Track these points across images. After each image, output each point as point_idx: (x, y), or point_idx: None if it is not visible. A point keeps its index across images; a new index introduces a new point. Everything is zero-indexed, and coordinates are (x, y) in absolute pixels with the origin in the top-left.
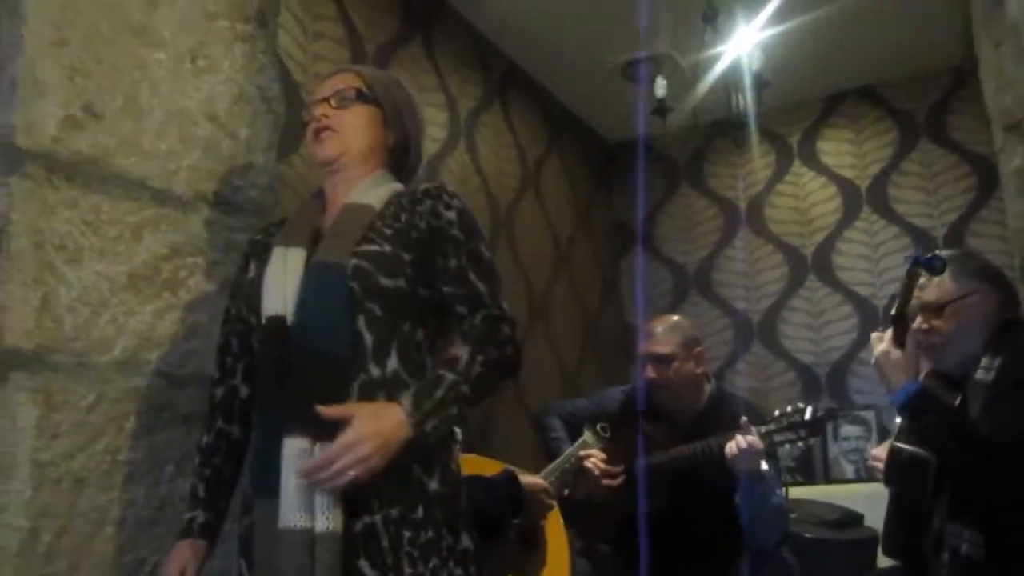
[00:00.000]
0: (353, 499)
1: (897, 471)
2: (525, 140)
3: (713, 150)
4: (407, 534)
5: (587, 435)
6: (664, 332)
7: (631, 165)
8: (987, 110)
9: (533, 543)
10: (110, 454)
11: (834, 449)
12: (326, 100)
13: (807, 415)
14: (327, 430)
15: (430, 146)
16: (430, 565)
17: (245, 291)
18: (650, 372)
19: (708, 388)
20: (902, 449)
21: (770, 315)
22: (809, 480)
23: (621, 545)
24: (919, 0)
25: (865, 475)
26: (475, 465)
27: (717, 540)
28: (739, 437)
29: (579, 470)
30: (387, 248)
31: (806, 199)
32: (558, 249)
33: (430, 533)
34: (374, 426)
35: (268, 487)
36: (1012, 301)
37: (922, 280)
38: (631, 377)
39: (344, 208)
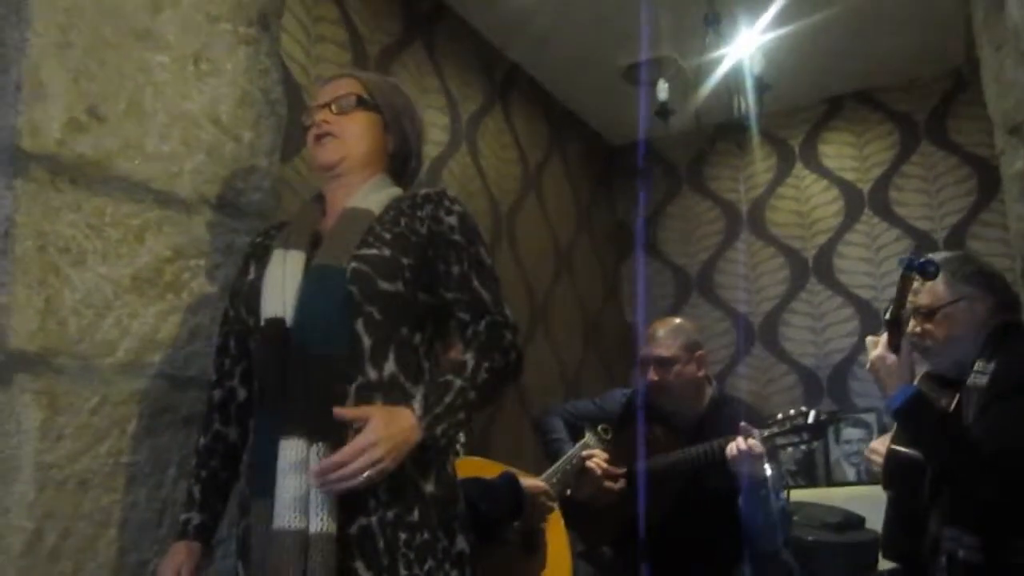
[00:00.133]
0: (349, 501)
1: (894, 474)
2: (527, 142)
3: (715, 153)
4: (403, 536)
5: (588, 436)
6: (666, 335)
7: (633, 168)
8: (988, 113)
9: (534, 545)
10: (113, 456)
11: (836, 452)
12: (326, 106)
13: (809, 418)
14: (323, 432)
15: (432, 148)
16: (426, 567)
17: (244, 293)
18: (652, 375)
19: (709, 391)
20: (899, 452)
21: (771, 317)
22: (811, 483)
23: (623, 548)
24: (920, 3)
25: (866, 477)
26: (476, 467)
27: (719, 543)
28: (739, 439)
29: (581, 470)
30: (386, 252)
31: (807, 202)
32: (559, 251)
33: (426, 535)
34: (389, 429)
35: (264, 488)
36: (1007, 305)
37: (916, 284)
38: (633, 379)
39: (344, 212)
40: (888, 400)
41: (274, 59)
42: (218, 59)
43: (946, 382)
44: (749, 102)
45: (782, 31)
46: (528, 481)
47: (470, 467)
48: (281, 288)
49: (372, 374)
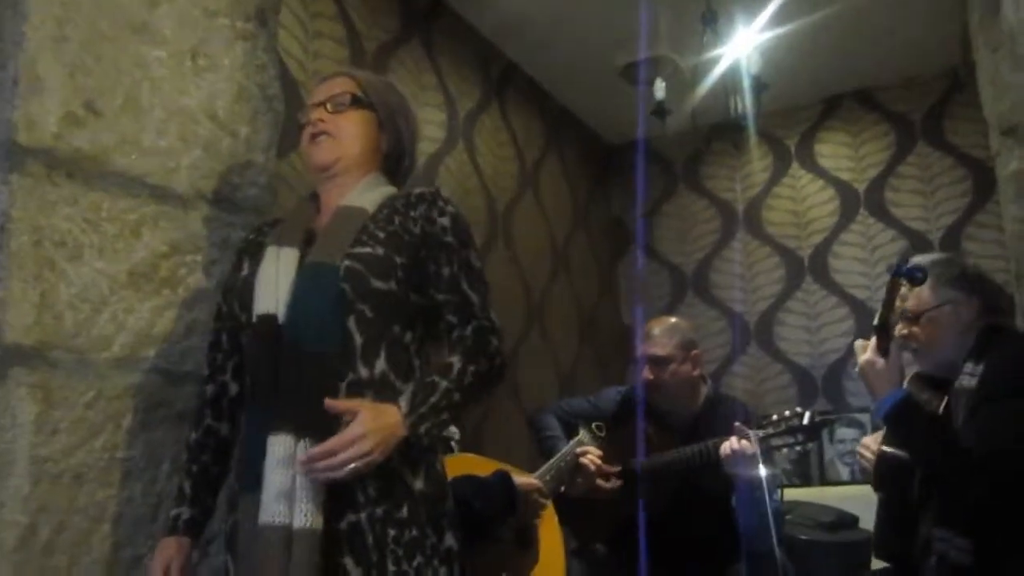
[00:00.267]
0: (338, 497)
1: (885, 475)
2: (524, 140)
3: (711, 152)
4: (391, 532)
5: (583, 434)
6: (662, 334)
7: (630, 166)
8: (984, 114)
9: (527, 542)
10: (108, 451)
11: (830, 451)
12: (321, 104)
13: (804, 419)
14: (312, 428)
15: (429, 145)
16: (414, 563)
17: (238, 289)
18: (647, 373)
19: (704, 390)
20: (889, 453)
21: (767, 317)
22: (805, 482)
23: (616, 546)
24: (916, 4)
25: (860, 476)
26: (470, 464)
27: (713, 542)
28: (732, 440)
29: (575, 467)
30: (379, 251)
31: (803, 202)
32: (556, 249)
33: (414, 532)
34: (377, 423)
35: (252, 483)
36: (992, 307)
37: (904, 290)
38: (628, 378)
39: (338, 210)
40: (877, 404)
41: (271, 55)
42: (215, 54)
43: (935, 382)
44: (746, 102)
45: (779, 31)
46: (521, 479)
47: (464, 464)
48: (274, 285)
49: (363, 372)
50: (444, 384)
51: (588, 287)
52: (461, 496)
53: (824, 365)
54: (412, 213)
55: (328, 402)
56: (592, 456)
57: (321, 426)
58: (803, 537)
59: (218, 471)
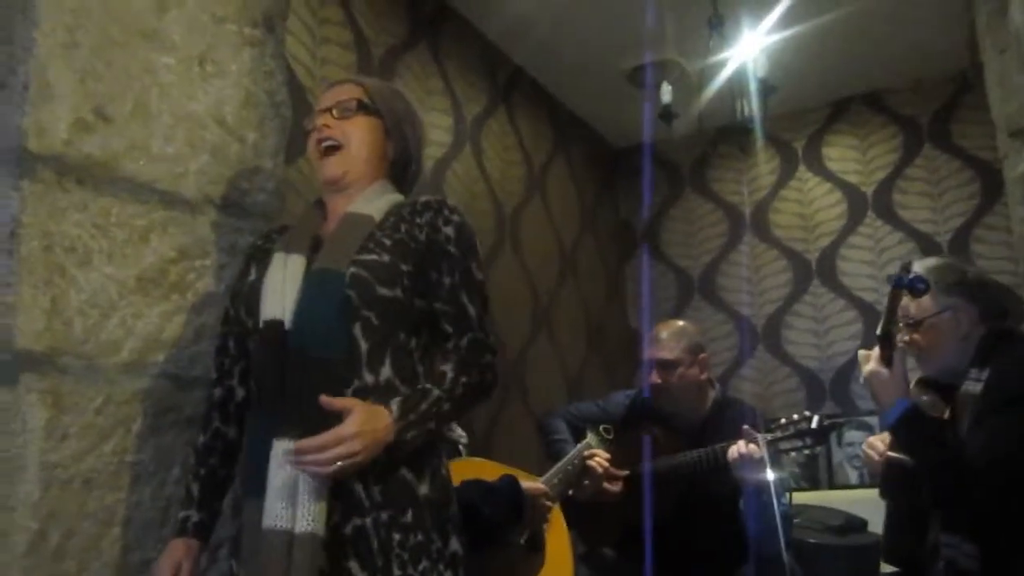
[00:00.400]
0: (343, 501)
1: (894, 480)
2: (531, 144)
3: (718, 156)
4: (396, 537)
5: (590, 437)
6: (669, 337)
7: (636, 170)
8: (992, 116)
9: (534, 546)
10: (118, 455)
11: (838, 454)
12: (328, 111)
13: (813, 423)
14: (316, 433)
15: (436, 150)
16: (420, 568)
17: (244, 294)
18: (655, 377)
19: (712, 394)
20: (897, 459)
21: (774, 320)
22: (813, 485)
23: (624, 550)
24: (924, 6)
25: (869, 480)
26: (477, 469)
27: (721, 546)
28: (740, 443)
29: (583, 470)
30: (385, 258)
31: (811, 205)
32: (563, 253)
33: (419, 536)
34: (369, 424)
35: (256, 488)
36: (993, 312)
37: (906, 299)
38: (636, 381)
39: (344, 217)
40: (884, 414)
41: (279, 61)
42: (223, 60)
43: (940, 386)
44: (753, 105)
45: (786, 34)
46: (528, 484)
47: (471, 468)
48: (281, 291)
49: (369, 378)
50: (436, 393)
51: (595, 291)
52: (469, 501)
53: (832, 368)
54: (418, 220)
55: (323, 399)
56: (600, 459)
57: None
58: (811, 541)
59: (225, 474)
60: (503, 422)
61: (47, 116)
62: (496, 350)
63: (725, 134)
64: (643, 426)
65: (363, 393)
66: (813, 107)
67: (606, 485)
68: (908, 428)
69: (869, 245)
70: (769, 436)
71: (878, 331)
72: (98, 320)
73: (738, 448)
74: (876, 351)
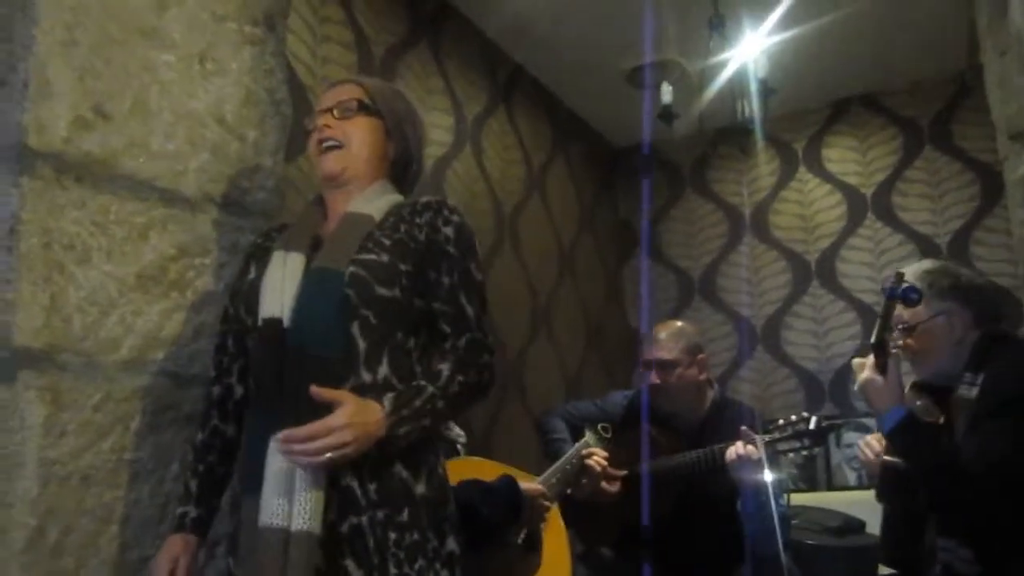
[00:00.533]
0: (339, 500)
1: (891, 485)
2: (530, 144)
3: (718, 156)
4: (392, 536)
5: (589, 436)
6: (668, 338)
7: (636, 170)
8: (992, 118)
9: (531, 546)
10: (116, 453)
11: (837, 456)
12: (329, 111)
13: (811, 424)
14: None
15: (436, 149)
16: (416, 566)
17: (244, 292)
18: (654, 377)
19: (711, 394)
20: (891, 464)
21: (773, 321)
22: (811, 486)
23: (622, 549)
24: (924, 8)
25: (867, 481)
26: (475, 468)
27: (719, 546)
28: (738, 444)
29: (581, 469)
30: (385, 258)
31: (811, 206)
32: (562, 252)
33: (415, 535)
34: (359, 416)
35: (253, 486)
36: (986, 316)
37: (899, 309)
38: (635, 381)
39: (344, 217)
40: (880, 422)
41: (279, 59)
42: (223, 58)
43: (934, 390)
44: (753, 106)
45: (786, 35)
46: (526, 484)
47: (469, 467)
48: (280, 289)
49: (366, 376)
50: (430, 390)
51: (595, 290)
52: (467, 501)
53: (831, 370)
54: (418, 220)
55: (314, 389)
56: (598, 458)
57: None
58: (809, 542)
59: (224, 472)
60: (502, 421)
61: (47, 113)
62: (494, 350)
63: (725, 135)
64: (641, 426)
65: (360, 392)
66: (813, 108)
67: (604, 485)
68: (904, 435)
69: (869, 247)
70: (767, 437)
71: (872, 339)
72: (97, 317)
73: (736, 449)
74: (870, 359)
